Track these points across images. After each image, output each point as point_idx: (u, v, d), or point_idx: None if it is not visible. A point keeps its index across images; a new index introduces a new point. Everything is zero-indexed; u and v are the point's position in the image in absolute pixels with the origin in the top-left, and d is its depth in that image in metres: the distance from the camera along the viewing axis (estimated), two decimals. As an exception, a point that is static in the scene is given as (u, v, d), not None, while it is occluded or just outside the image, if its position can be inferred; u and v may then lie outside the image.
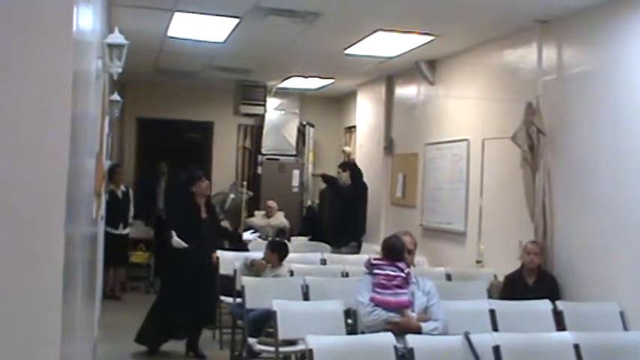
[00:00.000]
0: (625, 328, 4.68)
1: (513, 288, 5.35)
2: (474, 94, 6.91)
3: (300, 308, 4.72)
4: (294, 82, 9.94)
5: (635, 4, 4.87)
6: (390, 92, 9.00)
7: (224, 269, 6.33)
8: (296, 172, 10.87)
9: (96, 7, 3.60)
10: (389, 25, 6.26)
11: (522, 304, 4.84)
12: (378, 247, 5.52)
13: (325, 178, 8.96)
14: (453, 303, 4.59)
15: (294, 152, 11.14)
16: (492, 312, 4.64)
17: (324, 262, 6.75)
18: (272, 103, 10.82)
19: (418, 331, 4.15)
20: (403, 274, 4.40)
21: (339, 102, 11.46)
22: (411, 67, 7.87)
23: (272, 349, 4.70)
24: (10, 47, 1.76)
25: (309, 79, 9.60)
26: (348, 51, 7.34)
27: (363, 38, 6.75)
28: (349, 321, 4.56)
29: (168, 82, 10.31)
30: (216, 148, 11.34)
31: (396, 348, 3.69)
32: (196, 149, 11.28)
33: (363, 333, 4.31)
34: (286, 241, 6.89)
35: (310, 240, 8.93)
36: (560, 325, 4.59)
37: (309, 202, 10.96)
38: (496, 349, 3.68)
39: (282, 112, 11.17)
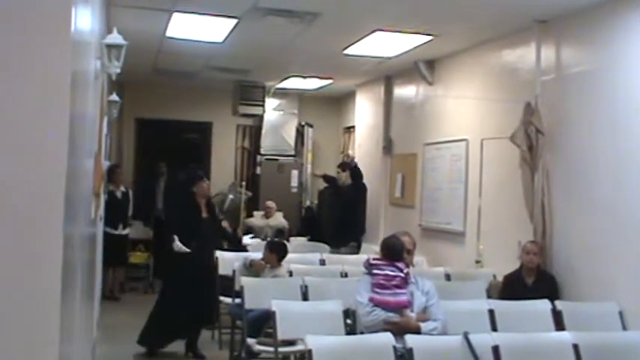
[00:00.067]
0: (624, 328, 4.68)
1: (512, 288, 5.35)
2: (473, 94, 6.91)
3: (300, 308, 4.72)
4: (293, 83, 9.94)
5: (633, 3, 4.87)
6: (388, 92, 9.00)
7: (223, 270, 6.34)
8: (295, 173, 10.87)
9: (94, 7, 3.60)
10: (387, 25, 6.26)
11: (521, 304, 4.84)
12: (377, 248, 5.52)
13: (326, 178, 8.98)
14: (452, 303, 4.59)
15: (292, 152, 11.14)
16: (491, 312, 4.64)
17: (323, 262, 6.75)
18: (271, 103, 10.82)
19: (417, 331, 4.15)
20: (402, 274, 4.40)
21: (338, 102, 11.46)
22: (409, 67, 7.87)
23: (271, 349, 4.70)
24: (9, 47, 1.76)
25: (308, 79, 9.61)
26: (346, 51, 7.34)
27: (362, 38, 6.75)
28: (348, 321, 4.56)
29: (167, 83, 10.31)
30: (215, 148, 11.34)
31: (395, 348, 3.70)
32: (195, 149, 11.27)
33: (362, 333, 4.31)
34: (285, 242, 6.89)
35: (309, 240, 8.94)
36: (560, 325, 4.59)
37: (308, 203, 10.96)
38: (495, 349, 3.68)
39: (281, 112, 11.17)
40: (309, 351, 3.52)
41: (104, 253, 7.74)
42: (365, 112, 9.83)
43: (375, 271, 4.42)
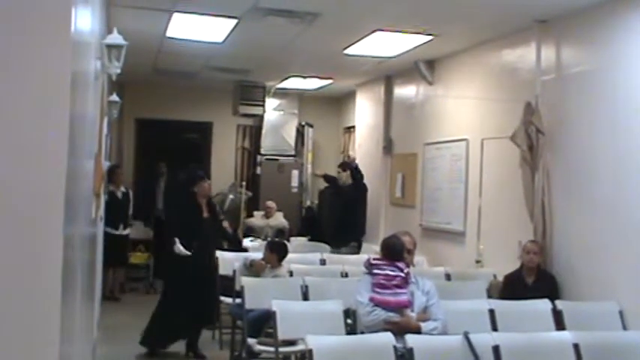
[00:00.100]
0: (624, 328, 4.68)
1: (513, 288, 5.35)
2: (473, 94, 6.91)
3: (300, 308, 4.72)
4: (293, 83, 9.94)
5: (633, 3, 4.87)
6: (389, 92, 9.00)
7: (224, 270, 6.33)
8: (295, 173, 10.87)
9: (94, 7, 3.60)
10: (388, 25, 6.26)
11: (522, 304, 4.84)
12: (377, 247, 5.52)
13: (327, 178, 8.98)
14: (452, 303, 4.59)
15: (293, 152, 11.14)
16: (492, 312, 4.64)
17: (323, 262, 6.75)
18: (271, 103, 10.82)
19: (417, 331, 4.15)
20: (402, 274, 4.40)
21: (338, 102, 11.46)
22: (409, 67, 7.87)
23: (272, 349, 4.70)
24: (9, 48, 1.76)
25: (308, 79, 9.60)
26: (346, 51, 7.34)
27: (362, 38, 6.75)
28: (349, 321, 4.56)
29: (167, 83, 10.31)
30: (215, 148, 11.34)
31: (395, 348, 3.70)
32: (195, 150, 11.27)
33: (362, 333, 4.31)
34: (285, 242, 6.89)
35: (309, 240, 8.94)
36: (560, 325, 4.59)
37: (308, 203, 10.96)
38: (495, 349, 3.68)
39: (281, 112, 11.16)
40: (310, 351, 3.52)
41: (104, 254, 7.74)
42: (365, 112, 9.83)
43: (376, 271, 4.42)
